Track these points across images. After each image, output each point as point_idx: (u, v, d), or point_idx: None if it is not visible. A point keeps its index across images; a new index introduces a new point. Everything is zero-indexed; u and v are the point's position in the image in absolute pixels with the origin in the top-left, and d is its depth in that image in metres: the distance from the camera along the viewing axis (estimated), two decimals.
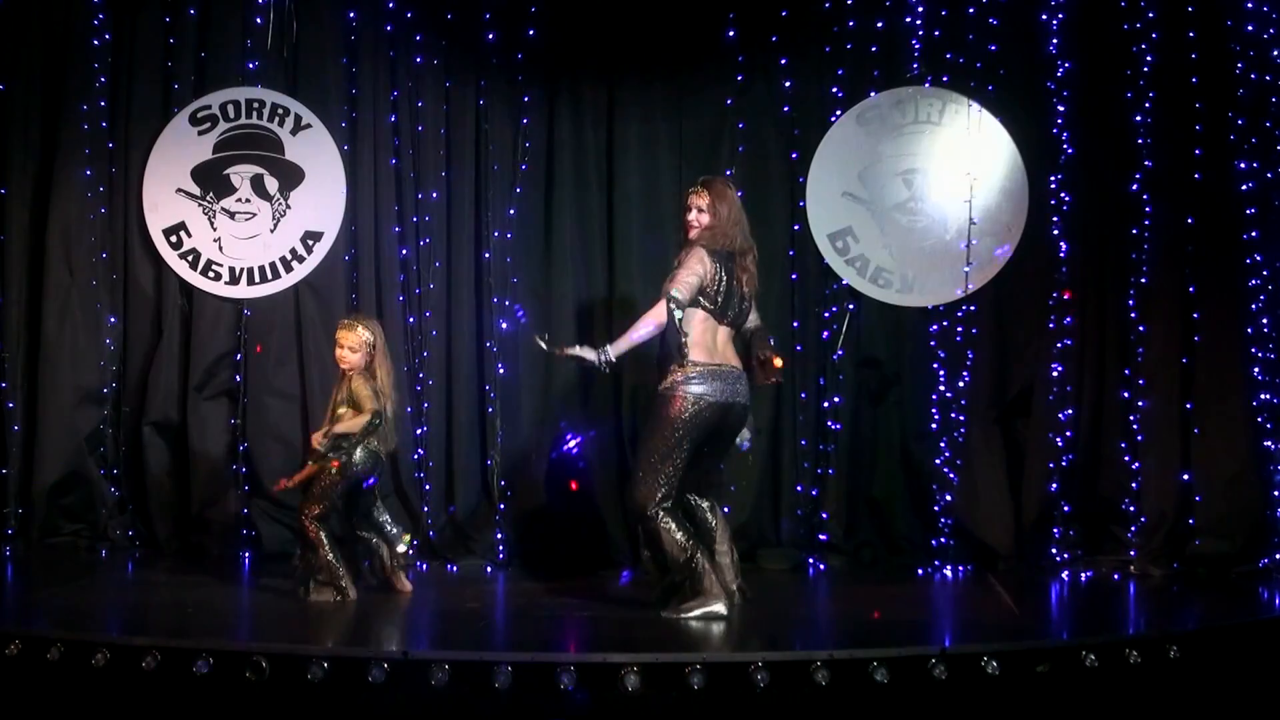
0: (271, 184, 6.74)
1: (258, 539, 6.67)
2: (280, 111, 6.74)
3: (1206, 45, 6.33)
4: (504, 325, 6.71)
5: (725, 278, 5.16)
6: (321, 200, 6.74)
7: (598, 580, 6.18)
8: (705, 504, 5.38)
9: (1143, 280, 6.42)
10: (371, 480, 5.63)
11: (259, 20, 6.69)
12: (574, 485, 6.69)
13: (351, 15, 6.77)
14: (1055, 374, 6.48)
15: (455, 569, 6.55)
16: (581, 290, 6.77)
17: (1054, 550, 6.40)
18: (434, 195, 6.79)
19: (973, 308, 6.61)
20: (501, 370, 6.71)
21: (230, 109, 6.75)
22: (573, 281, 6.76)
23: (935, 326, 6.64)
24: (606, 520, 6.60)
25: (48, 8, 6.79)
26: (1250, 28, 6.29)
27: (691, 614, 5.01)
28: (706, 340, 5.12)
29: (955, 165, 6.56)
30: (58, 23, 6.79)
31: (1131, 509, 6.37)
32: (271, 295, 6.73)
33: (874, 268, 6.64)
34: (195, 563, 6.44)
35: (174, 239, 6.73)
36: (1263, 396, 6.27)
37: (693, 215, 5.30)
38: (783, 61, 6.73)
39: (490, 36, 6.71)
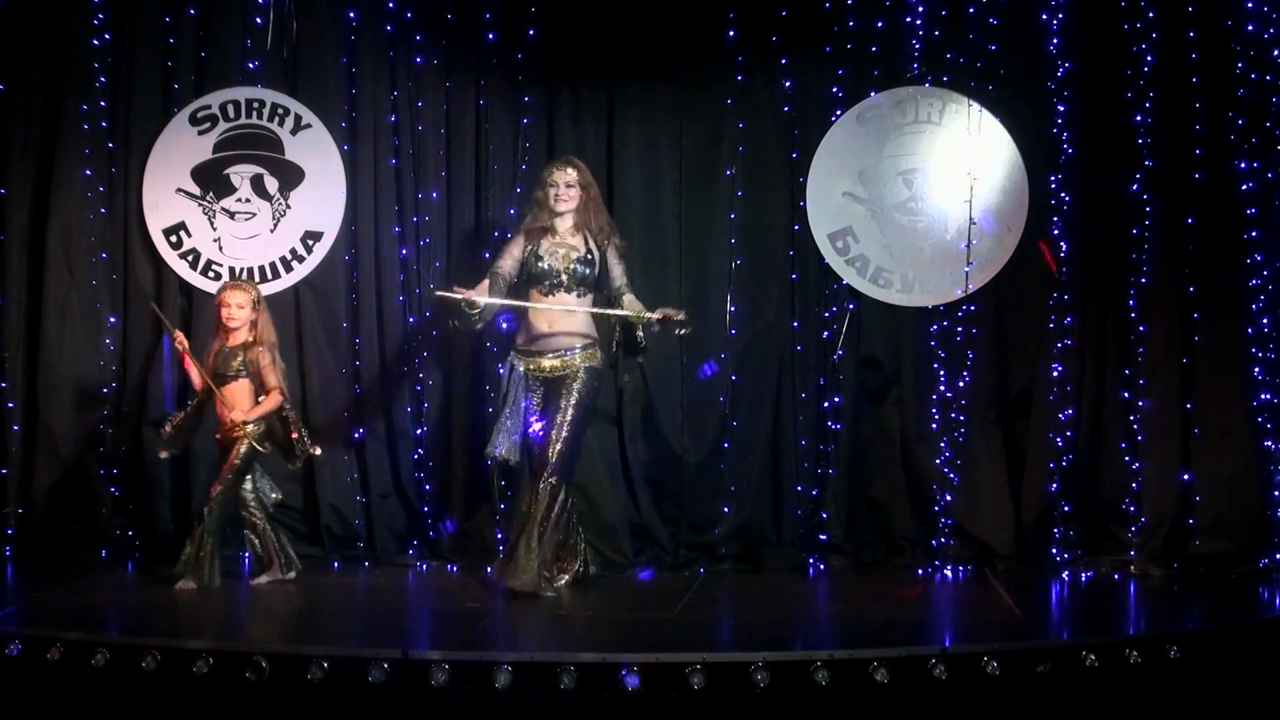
0: (271, 184, 6.74)
1: None
2: (280, 111, 6.74)
3: (1206, 45, 6.32)
4: (504, 325, 6.70)
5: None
6: (321, 200, 6.74)
7: (598, 580, 6.18)
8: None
9: (1143, 280, 6.41)
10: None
11: (259, 20, 6.69)
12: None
13: (351, 15, 6.77)
14: (1055, 374, 6.47)
15: (455, 569, 6.55)
16: None
17: (1054, 550, 6.39)
18: (434, 195, 6.79)
19: (973, 308, 6.61)
20: (501, 370, 6.70)
21: (230, 109, 6.75)
22: None
23: (935, 326, 6.64)
24: (607, 520, 6.59)
25: (48, 8, 6.79)
26: (1250, 28, 6.27)
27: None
28: None
29: (955, 165, 6.56)
30: (58, 23, 6.79)
31: (1131, 509, 6.37)
32: (271, 295, 6.71)
33: (874, 268, 6.64)
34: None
35: (174, 239, 6.73)
36: (1263, 396, 6.26)
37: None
38: (783, 61, 6.72)
39: (490, 36, 6.71)
